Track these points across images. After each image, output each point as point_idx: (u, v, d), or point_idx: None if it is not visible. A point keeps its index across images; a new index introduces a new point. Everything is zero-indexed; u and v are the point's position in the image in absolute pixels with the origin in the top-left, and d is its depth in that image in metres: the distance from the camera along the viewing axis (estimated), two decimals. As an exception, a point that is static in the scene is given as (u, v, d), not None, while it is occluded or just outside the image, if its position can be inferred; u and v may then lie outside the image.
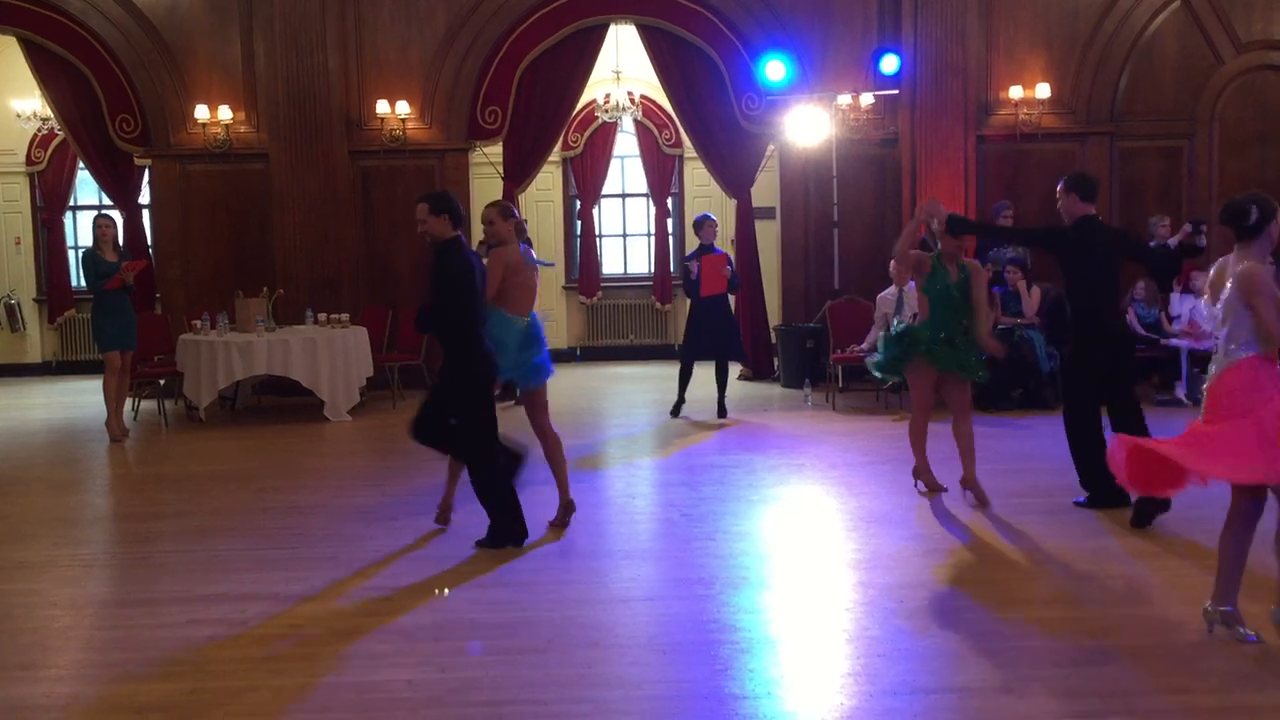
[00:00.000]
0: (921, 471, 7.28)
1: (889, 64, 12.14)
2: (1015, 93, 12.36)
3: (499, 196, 12.68)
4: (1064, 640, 4.69)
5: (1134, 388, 6.76)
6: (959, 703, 4.11)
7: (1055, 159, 12.52)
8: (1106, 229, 6.85)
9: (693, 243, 11.16)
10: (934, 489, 7.25)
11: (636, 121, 15.19)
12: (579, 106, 13.99)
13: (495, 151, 13.08)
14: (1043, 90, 12.29)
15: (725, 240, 14.67)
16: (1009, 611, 5.08)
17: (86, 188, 15.31)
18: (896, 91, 12.31)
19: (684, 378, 10.64)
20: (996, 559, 5.91)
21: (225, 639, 4.95)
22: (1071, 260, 6.70)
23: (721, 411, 10.56)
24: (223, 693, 4.35)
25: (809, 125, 12.18)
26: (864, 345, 11.12)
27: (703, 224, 10.49)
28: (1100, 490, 6.62)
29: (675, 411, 10.64)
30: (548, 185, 15.34)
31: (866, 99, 12.31)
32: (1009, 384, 10.36)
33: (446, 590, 5.56)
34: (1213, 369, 4.68)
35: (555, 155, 14.61)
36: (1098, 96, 12.49)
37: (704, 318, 10.50)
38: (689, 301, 10.69)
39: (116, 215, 12.03)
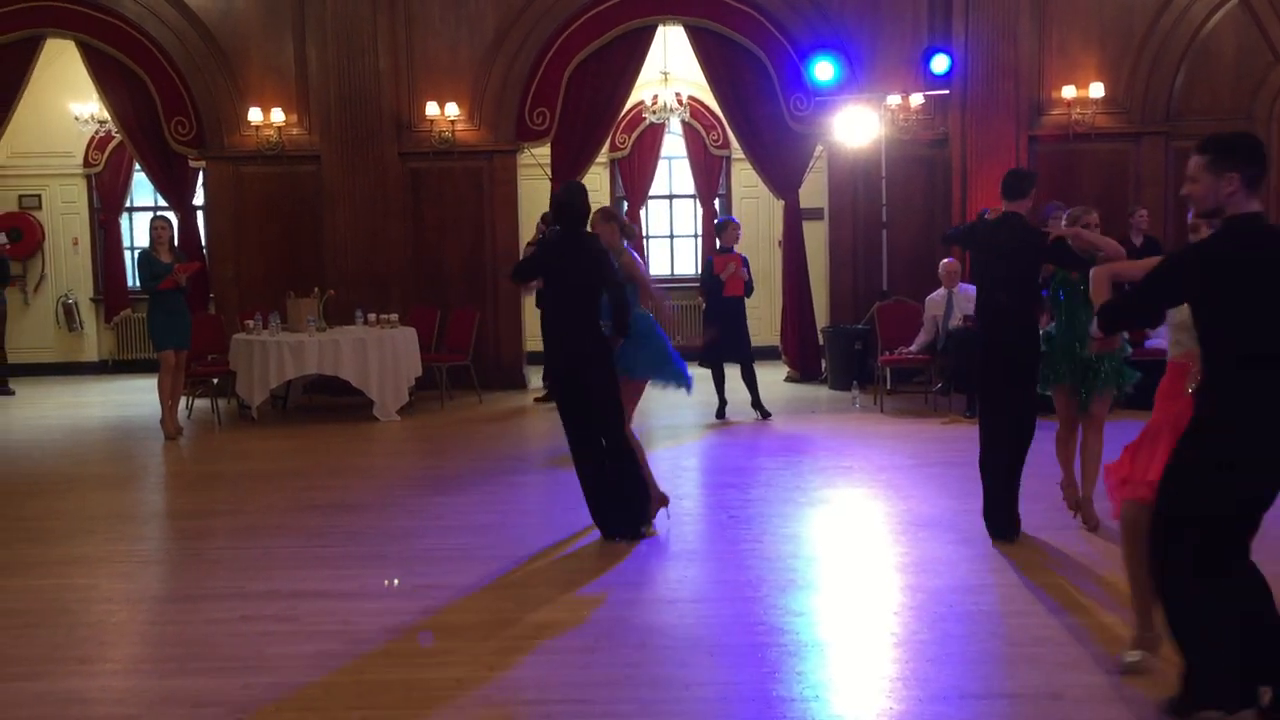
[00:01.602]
0: (1067, 487, 6.62)
1: (939, 64, 12.03)
2: (1068, 92, 12.20)
3: (545, 198, 12.74)
4: (1117, 647, 4.63)
5: (1028, 402, 6.26)
6: (1009, 709, 4.07)
7: (1109, 159, 12.38)
8: (1026, 230, 6.39)
9: (741, 245, 11.17)
10: (1089, 518, 6.49)
11: (684, 123, 15.17)
12: (627, 108, 13.99)
13: (543, 153, 13.12)
14: (1096, 90, 12.13)
15: (772, 242, 14.72)
16: (1060, 617, 5.03)
17: (142, 189, 15.55)
18: (947, 91, 12.20)
19: (717, 379, 10.66)
20: (1047, 564, 5.84)
21: (277, 635, 5.01)
22: (975, 259, 6.58)
23: (764, 413, 10.54)
24: (274, 688, 4.41)
25: (858, 126, 12.10)
26: (912, 347, 11.06)
27: (725, 226, 10.85)
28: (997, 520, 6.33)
29: (720, 413, 10.64)
30: (595, 186, 15.34)
31: (916, 99, 12.22)
32: None
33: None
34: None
35: (603, 156, 14.62)
36: (1153, 96, 12.31)
37: (723, 319, 10.55)
38: (708, 304, 10.89)
39: (171, 216, 12.19)
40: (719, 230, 10.92)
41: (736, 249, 10.88)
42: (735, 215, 15.16)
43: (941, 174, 12.56)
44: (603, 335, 6.38)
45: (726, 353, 10.60)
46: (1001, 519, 6.29)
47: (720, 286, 10.58)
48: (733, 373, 10.65)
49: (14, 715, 4.27)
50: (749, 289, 10.76)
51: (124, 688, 4.51)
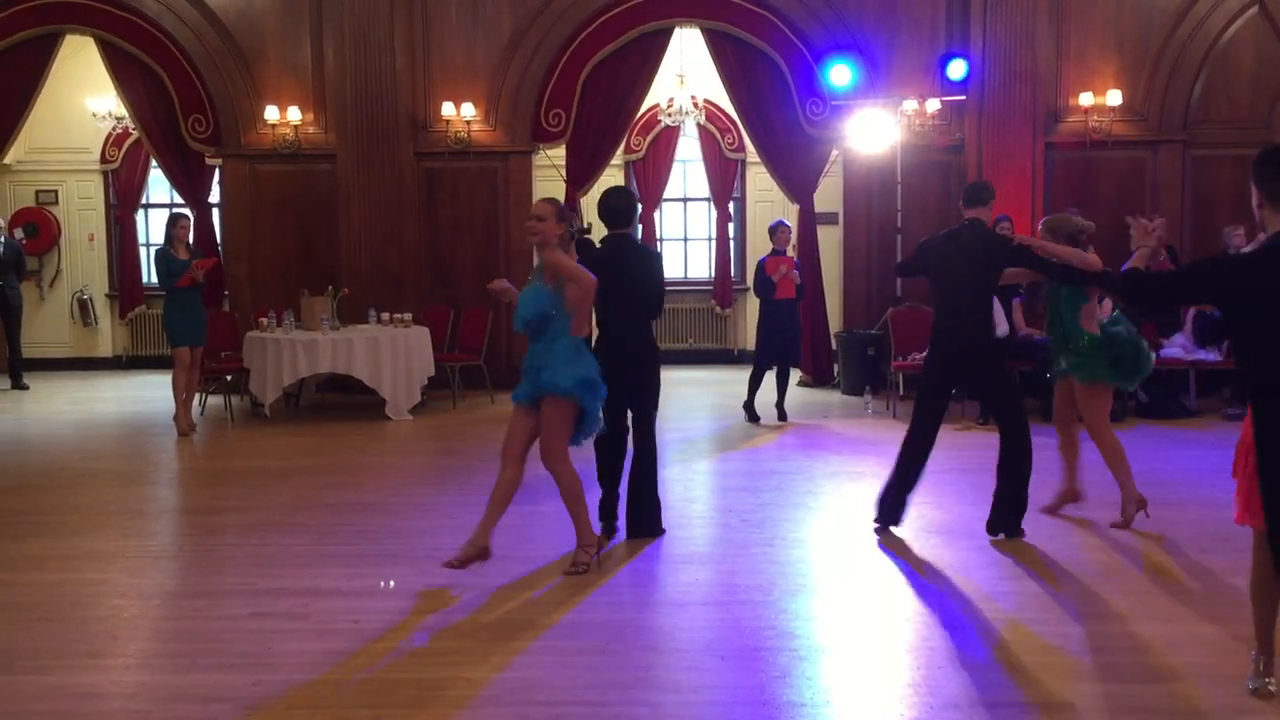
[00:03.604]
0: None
1: (956, 69, 11.99)
2: (1086, 99, 12.16)
3: (561, 200, 12.75)
4: (1132, 656, 4.61)
5: (1015, 402, 6.55)
6: (1022, 717, 4.05)
7: (1126, 167, 12.33)
8: (989, 235, 6.71)
9: (755, 248, 11.23)
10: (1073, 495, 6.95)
11: (699, 125, 15.16)
12: (642, 110, 13.99)
13: (558, 154, 13.13)
14: (1114, 97, 12.09)
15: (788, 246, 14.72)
16: (1075, 626, 5.00)
17: (158, 186, 15.60)
18: (963, 97, 12.17)
19: (755, 383, 10.69)
20: (1063, 572, 5.81)
21: (288, 632, 5.01)
22: (935, 268, 6.76)
23: (781, 415, 10.58)
24: (285, 685, 4.41)
25: (873, 131, 12.07)
26: (926, 353, 11.02)
27: (776, 230, 10.92)
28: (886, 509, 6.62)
29: (753, 416, 10.65)
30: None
31: (933, 105, 12.19)
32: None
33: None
34: None
35: (618, 159, 14.62)
36: (1171, 104, 12.26)
37: (776, 321, 10.66)
38: (761, 306, 10.90)
39: (187, 213, 12.22)
40: (771, 233, 10.99)
41: (789, 251, 11.02)
42: (749, 219, 15.21)
43: (957, 180, 12.49)
44: (652, 334, 6.79)
45: (782, 355, 10.71)
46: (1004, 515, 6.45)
47: (772, 288, 10.65)
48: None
49: (25, 709, 4.28)
50: (801, 291, 10.82)
51: (135, 683, 4.52)
